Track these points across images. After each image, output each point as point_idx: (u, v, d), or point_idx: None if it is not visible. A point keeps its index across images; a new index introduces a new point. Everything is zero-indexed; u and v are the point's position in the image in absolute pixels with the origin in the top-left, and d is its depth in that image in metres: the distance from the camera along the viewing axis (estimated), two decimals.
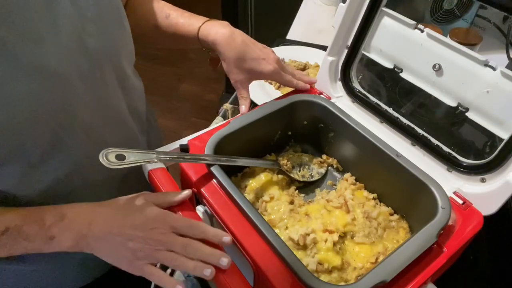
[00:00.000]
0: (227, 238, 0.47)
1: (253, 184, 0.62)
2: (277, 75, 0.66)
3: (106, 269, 0.70)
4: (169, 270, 0.55)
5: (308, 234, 0.52)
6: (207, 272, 0.45)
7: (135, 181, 0.62)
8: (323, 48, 1.07)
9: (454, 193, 0.54)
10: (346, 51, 0.66)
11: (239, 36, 0.65)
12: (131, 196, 0.51)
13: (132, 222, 0.47)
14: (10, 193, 0.50)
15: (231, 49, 0.64)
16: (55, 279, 0.63)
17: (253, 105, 0.91)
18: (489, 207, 0.52)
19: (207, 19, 0.68)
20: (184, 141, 0.60)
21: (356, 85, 0.67)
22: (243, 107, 0.67)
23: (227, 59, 0.65)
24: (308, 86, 0.69)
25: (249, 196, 0.61)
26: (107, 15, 0.54)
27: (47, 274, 0.62)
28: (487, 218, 0.52)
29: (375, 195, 0.62)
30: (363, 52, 0.65)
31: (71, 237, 0.47)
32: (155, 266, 0.47)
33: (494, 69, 0.51)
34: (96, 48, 0.52)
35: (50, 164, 0.51)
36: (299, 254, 0.51)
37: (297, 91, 0.69)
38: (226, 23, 0.66)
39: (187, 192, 0.52)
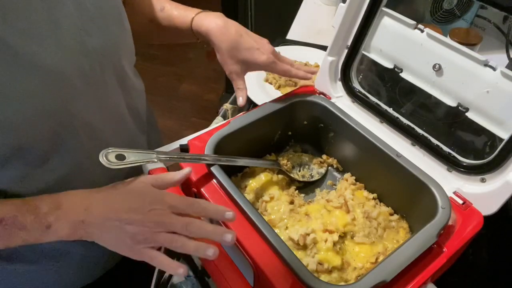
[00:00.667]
0: (229, 213, 0.45)
1: (253, 184, 0.62)
2: (273, 65, 0.65)
3: (105, 269, 0.69)
4: None
5: (308, 234, 0.52)
6: (210, 252, 0.43)
7: None
8: (323, 48, 1.06)
9: (454, 193, 0.54)
10: (346, 51, 0.66)
11: (233, 26, 0.64)
12: (128, 180, 0.50)
13: (129, 205, 0.45)
14: (11, 192, 0.50)
15: (225, 39, 0.63)
16: (54, 279, 0.63)
17: (253, 105, 0.91)
18: (489, 207, 0.52)
19: (201, 10, 0.67)
20: (184, 141, 0.60)
21: (356, 85, 0.67)
22: (240, 99, 0.65)
23: (221, 49, 0.64)
24: (309, 75, 0.67)
25: (249, 196, 0.61)
26: (108, 15, 0.54)
27: (46, 274, 0.62)
28: (487, 218, 0.52)
29: (375, 195, 0.62)
30: (363, 52, 0.65)
31: (68, 225, 0.46)
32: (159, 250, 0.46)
33: (494, 69, 0.51)
34: (96, 47, 0.52)
35: (50, 164, 0.51)
36: (299, 254, 0.51)
37: (297, 91, 0.69)
38: (220, 14, 0.65)
39: (186, 171, 0.51)
